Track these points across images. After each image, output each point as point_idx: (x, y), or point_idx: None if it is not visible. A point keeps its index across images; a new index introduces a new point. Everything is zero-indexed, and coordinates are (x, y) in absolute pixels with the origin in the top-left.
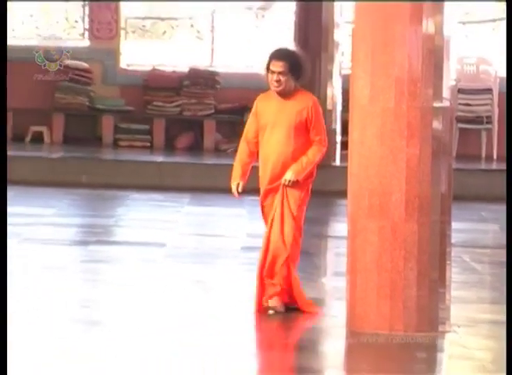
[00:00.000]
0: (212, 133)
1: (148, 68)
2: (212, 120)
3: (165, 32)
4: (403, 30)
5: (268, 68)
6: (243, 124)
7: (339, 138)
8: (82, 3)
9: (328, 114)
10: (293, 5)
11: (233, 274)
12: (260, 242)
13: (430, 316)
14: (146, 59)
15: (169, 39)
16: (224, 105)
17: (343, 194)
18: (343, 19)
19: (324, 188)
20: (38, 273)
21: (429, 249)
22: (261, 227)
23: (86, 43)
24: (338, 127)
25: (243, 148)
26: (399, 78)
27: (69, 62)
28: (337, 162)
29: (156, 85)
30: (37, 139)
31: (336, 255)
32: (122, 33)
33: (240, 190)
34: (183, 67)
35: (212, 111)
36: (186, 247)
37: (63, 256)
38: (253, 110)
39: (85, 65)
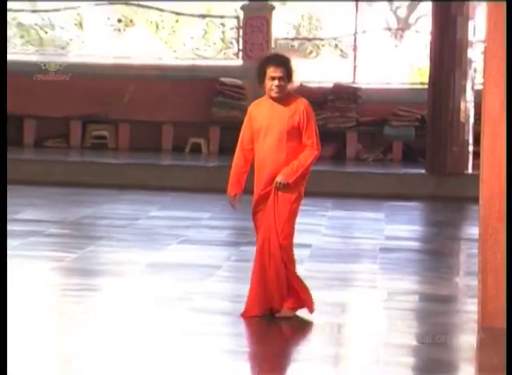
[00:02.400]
0: (354, 143)
1: (296, 84)
2: (354, 132)
3: (311, 51)
4: None
5: (264, 74)
6: (382, 136)
7: (471, 148)
8: (236, 26)
9: (461, 126)
10: (429, 26)
11: (372, 272)
12: (396, 244)
13: None
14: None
15: (315, 58)
16: (365, 118)
17: (475, 199)
18: (476, 39)
19: (458, 194)
20: (194, 271)
21: None
22: (397, 229)
23: (240, 62)
24: (470, 138)
25: (238, 156)
26: None
27: (225, 79)
28: (470, 170)
29: None
30: (196, 150)
31: (468, 256)
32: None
33: (238, 201)
34: (327, 83)
35: (354, 123)
36: (329, 248)
37: (217, 256)
38: (247, 117)
39: (239, 82)
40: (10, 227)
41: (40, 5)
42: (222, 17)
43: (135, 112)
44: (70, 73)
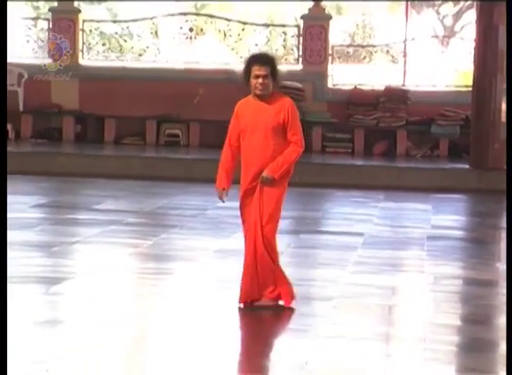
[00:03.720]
0: (404, 141)
1: (351, 87)
2: (404, 130)
3: (365, 57)
4: None
5: (249, 73)
6: (429, 134)
7: None
8: (296, 34)
9: (502, 125)
10: (473, 34)
11: (419, 258)
12: (441, 232)
13: None
14: (349, 80)
15: (368, 63)
16: (414, 117)
17: None
18: None
19: (499, 187)
20: None
21: None
22: (443, 219)
23: (300, 67)
24: None
25: (226, 153)
26: None
27: (286, 82)
28: None
29: (357, 101)
30: None
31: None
32: (330, 58)
33: (225, 195)
34: (379, 86)
35: (404, 122)
36: (380, 236)
37: (279, 243)
38: (234, 115)
39: (299, 85)
40: (92, 216)
41: (119, 16)
42: (283, 26)
43: (204, 112)
44: (146, 77)
